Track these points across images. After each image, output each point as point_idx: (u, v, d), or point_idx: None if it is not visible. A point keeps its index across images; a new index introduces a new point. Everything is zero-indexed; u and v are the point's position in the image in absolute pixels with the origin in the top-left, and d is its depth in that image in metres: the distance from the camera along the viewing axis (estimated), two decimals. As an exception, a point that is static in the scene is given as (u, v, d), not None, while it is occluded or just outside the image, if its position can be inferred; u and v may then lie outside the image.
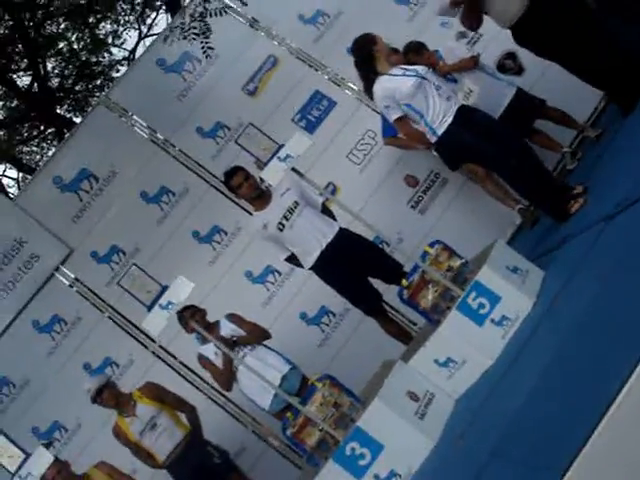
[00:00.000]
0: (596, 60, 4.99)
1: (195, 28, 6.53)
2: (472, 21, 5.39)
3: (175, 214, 7.00)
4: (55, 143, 14.87)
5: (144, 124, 7.38)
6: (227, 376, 5.55)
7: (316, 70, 7.43)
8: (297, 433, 4.09)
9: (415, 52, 6.19)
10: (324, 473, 3.86)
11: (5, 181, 15.90)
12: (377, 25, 6.81)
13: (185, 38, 6.50)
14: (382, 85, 4.88)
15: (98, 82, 15.34)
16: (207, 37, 6.46)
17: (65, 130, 13.49)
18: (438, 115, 4.83)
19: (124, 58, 15.65)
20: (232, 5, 7.30)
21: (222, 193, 6.80)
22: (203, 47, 6.51)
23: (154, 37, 14.77)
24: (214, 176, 6.97)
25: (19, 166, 15.65)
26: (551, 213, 4.98)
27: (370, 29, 6.57)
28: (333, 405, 4.12)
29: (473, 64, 6.26)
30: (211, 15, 6.48)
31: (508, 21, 5.07)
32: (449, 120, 4.84)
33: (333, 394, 4.15)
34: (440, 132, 4.84)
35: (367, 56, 4.99)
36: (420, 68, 5.01)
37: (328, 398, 4.12)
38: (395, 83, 4.86)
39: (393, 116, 4.90)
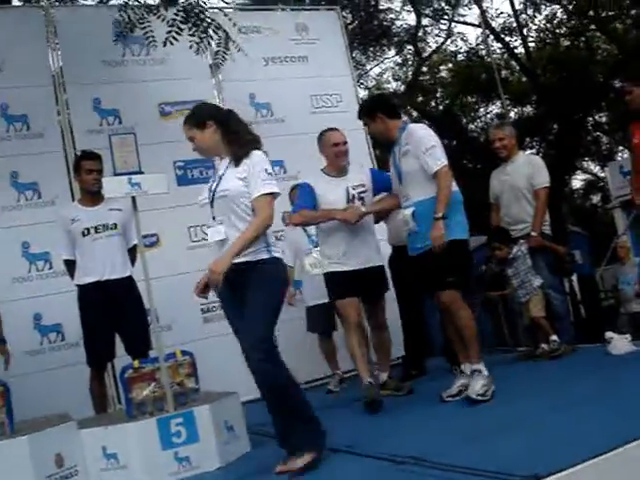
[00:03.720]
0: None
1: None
2: None
3: (14, 145, 6.59)
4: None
5: (59, 57, 7.02)
6: None
7: (227, 144, 7.39)
8: None
9: None
10: None
11: None
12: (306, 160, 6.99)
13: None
14: None
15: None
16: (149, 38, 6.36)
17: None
18: None
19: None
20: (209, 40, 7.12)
21: (66, 161, 6.53)
22: (146, 33, 6.42)
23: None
24: (74, 145, 6.71)
25: None
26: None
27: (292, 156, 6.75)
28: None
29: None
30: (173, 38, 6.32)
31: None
32: None
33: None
34: None
35: None
36: None
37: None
38: None
39: None
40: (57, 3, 7.22)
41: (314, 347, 6.55)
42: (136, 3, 6.43)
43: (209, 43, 6.46)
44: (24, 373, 5.56)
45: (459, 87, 20.04)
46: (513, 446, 3.32)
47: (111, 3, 13.95)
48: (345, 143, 5.39)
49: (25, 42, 6.83)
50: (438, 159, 4.72)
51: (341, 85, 8.03)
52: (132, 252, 5.37)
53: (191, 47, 6.51)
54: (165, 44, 6.35)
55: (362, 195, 5.30)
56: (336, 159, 5.35)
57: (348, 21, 15.51)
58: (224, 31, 6.50)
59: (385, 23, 17.78)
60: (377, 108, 5.07)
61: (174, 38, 6.33)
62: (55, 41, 7.06)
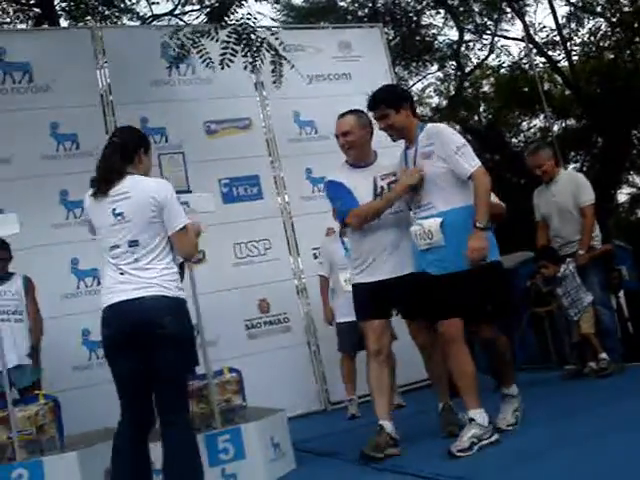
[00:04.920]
0: None
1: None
2: None
3: (64, 164, 6.72)
4: (29, 24, 14.30)
5: (107, 75, 7.18)
6: None
7: (271, 161, 7.51)
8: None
9: None
10: None
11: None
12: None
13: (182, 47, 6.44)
14: None
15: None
16: (206, 62, 6.42)
17: (44, 20, 13.05)
18: None
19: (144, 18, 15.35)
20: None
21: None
22: (202, 56, 6.49)
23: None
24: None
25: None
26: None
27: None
28: (37, 427, 3.93)
29: None
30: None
31: None
32: None
33: (45, 417, 3.97)
34: None
35: None
36: None
37: (38, 417, 3.94)
38: None
39: None
40: (104, 24, 7.34)
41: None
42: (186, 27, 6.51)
43: (262, 62, 6.49)
44: (73, 388, 5.66)
45: (502, 101, 19.94)
46: (560, 467, 3.28)
47: (156, 23, 14.32)
48: (346, 134, 4.50)
49: (74, 62, 7.01)
50: (472, 159, 4.10)
51: (385, 101, 8.04)
52: (181, 268, 5.41)
53: (246, 67, 6.58)
54: (222, 67, 6.36)
55: (393, 186, 4.43)
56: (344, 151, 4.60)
57: (390, 37, 15.54)
58: (275, 49, 6.54)
59: (427, 39, 17.80)
60: (405, 99, 4.41)
61: (229, 60, 6.35)
62: (103, 61, 7.22)
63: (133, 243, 3.37)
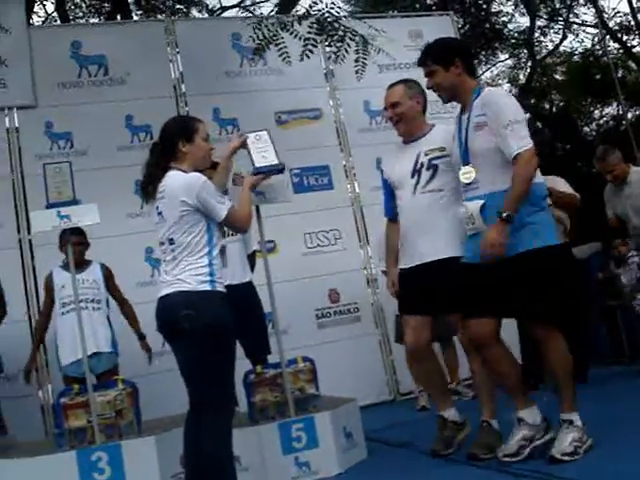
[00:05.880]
0: None
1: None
2: None
3: (138, 154, 6.67)
4: (100, 18, 14.58)
5: (180, 67, 7.29)
6: (47, 313, 5.57)
7: (341, 151, 7.53)
8: (68, 408, 3.98)
9: None
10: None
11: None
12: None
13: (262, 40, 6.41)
14: None
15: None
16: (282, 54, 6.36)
17: (118, 15, 13.29)
18: None
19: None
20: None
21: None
22: (280, 49, 6.40)
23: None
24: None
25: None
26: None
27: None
28: (116, 411, 4.02)
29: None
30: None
31: None
32: None
33: (124, 401, 4.06)
34: None
35: None
36: None
37: (117, 401, 4.04)
38: None
39: None
40: (177, 17, 7.45)
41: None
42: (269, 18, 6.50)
43: (347, 51, 6.38)
44: (149, 373, 5.77)
45: (574, 89, 19.51)
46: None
47: (226, 15, 14.47)
48: (394, 105, 4.15)
49: (147, 55, 7.15)
50: (522, 138, 3.47)
51: (455, 90, 7.97)
52: (251, 258, 5.48)
53: (330, 57, 6.58)
54: (302, 58, 6.28)
55: (435, 162, 3.98)
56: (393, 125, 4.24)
57: (459, 25, 15.36)
58: (361, 36, 6.39)
59: (497, 26, 17.53)
60: (456, 53, 3.78)
61: (310, 51, 6.27)
62: (175, 53, 7.33)
63: (171, 241, 3.39)
